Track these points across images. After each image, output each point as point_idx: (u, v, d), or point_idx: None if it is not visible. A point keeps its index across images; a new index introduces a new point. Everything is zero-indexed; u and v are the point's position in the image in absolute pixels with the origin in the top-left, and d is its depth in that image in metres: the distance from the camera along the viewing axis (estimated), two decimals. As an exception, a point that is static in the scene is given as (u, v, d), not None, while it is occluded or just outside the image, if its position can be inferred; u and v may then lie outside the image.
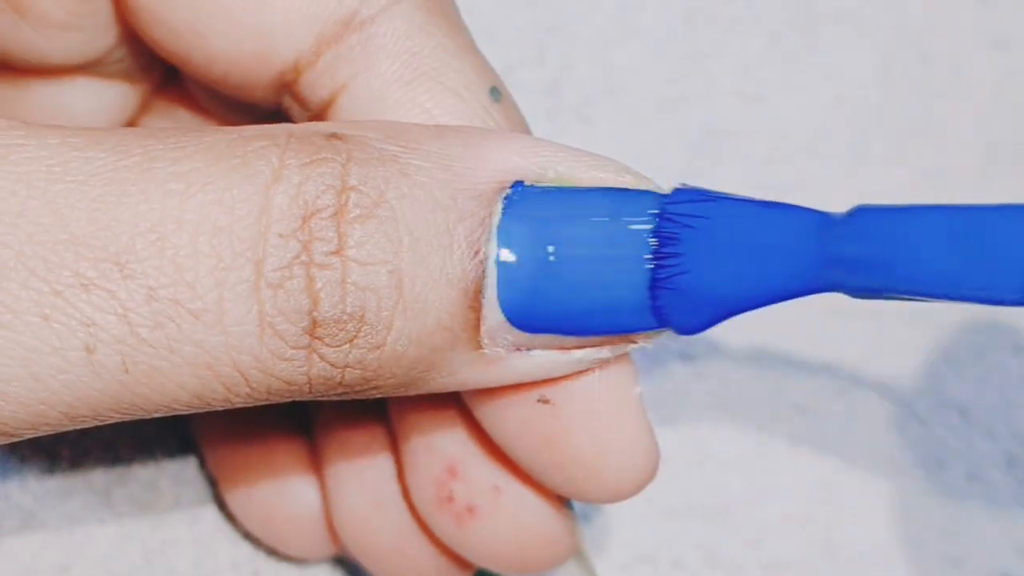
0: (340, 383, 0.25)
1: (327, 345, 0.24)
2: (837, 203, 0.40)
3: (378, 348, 0.24)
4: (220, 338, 0.24)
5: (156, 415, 0.25)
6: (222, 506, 0.36)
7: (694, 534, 0.37)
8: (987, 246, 0.23)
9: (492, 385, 0.26)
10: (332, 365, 0.24)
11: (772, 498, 0.37)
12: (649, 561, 0.37)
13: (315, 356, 0.24)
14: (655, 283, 0.25)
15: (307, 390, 0.25)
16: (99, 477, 0.36)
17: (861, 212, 0.25)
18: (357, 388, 0.25)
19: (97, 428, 0.36)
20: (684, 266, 0.25)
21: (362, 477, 0.32)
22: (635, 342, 0.26)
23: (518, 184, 0.25)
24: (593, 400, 0.27)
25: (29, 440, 0.35)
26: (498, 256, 0.25)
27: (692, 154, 0.40)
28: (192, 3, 0.27)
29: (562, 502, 0.30)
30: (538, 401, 0.27)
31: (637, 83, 0.41)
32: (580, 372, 0.27)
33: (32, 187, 0.24)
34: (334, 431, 0.32)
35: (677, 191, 0.25)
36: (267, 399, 0.25)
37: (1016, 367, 0.39)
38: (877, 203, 0.25)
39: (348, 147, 0.25)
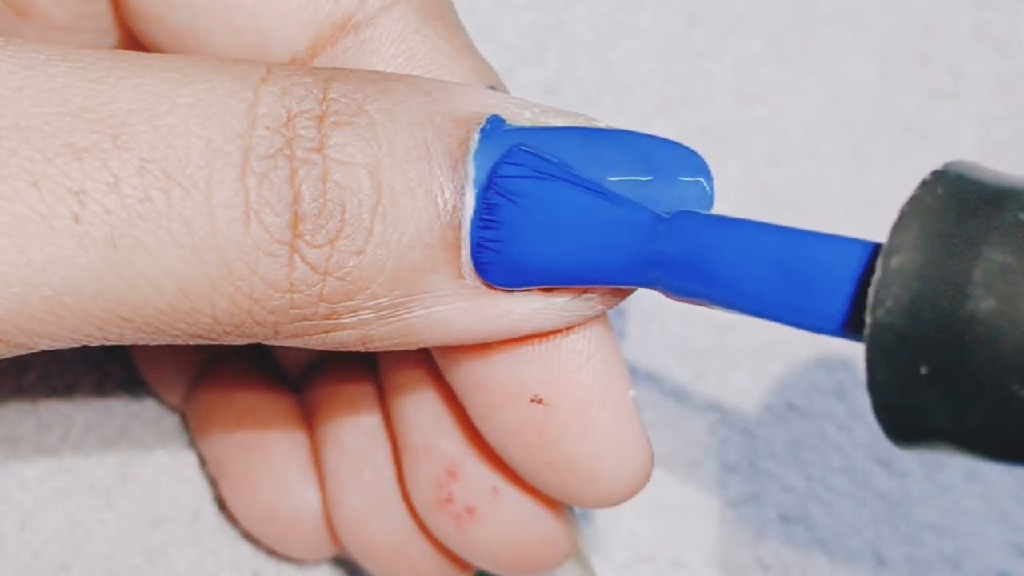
0: (321, 297, 0.25)
1: (309, 244, 0.24)
2: (837, 203, 0.40)
3: (358, 253, 0.24)
4: (207, 219, 0.24)
5: (141, 328, 0.24)
6: (222, 506, 0.36)
7: (694, 534, 0.37)
8: (804, 273, 0.23)
9: (475, 332, 0.26)
10: (313, 268, 0.24)
11: (771, 498, 0.37)
12: (649, 561, 0.37)
13: (297, 257, 0.24)
14: (478, 242, 0.25)
15: (288, 303, 0.24)
16: (100, 477, 0.36)
17: (682, 217, 0.25)
18: (339, 309, 0.25)
19: (99, 426, 0.36)
20: (501, 235, 0.25)
21: (362, 478, 0.32)
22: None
23: (495, 119, 0.26)
24: (586, 402, 0.27)
25: (30, 440, 0.36)
26: (475, 178, 0.25)
27: (692, 154, 0.40)
28: (189, 6, 0.27)
29: (561, 503, 0.30)
30: (531, 401, 0.27)
31: (637, 83, 0.41)
32: (575, 365, 0.27)
33: (31, 68, 0.24)
34: (334, 431, 0.33)
35: (512, 155, 0.25)
36: (250, 312, 0.25)
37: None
38: (705, 212, 0.25)
39: (329, 72, 0.25)
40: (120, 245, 0.24)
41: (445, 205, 0.25)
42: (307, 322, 0.25)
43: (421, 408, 0.30)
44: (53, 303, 0.24)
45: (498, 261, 0.25)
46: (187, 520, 0.36)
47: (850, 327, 0.23)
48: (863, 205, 0.40)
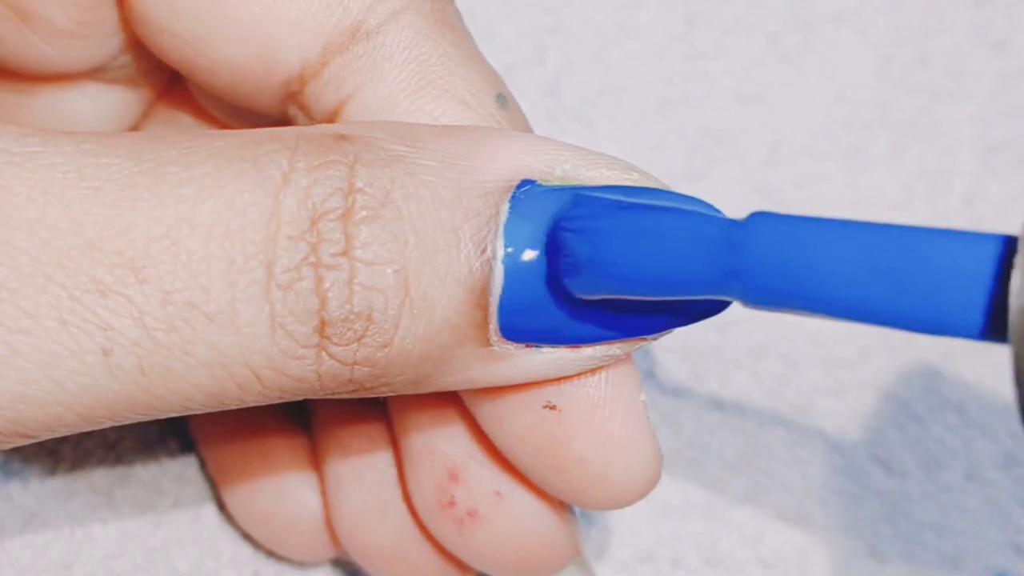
0: (350, 380, 0.25)
1: (336, 344, 0.24)
2: (837, 203, 0.40)
3: (385, 347, 0.25)
4: (233, 339, 0.24)
5: (171, 415, 0.25)
6: (223, 506, 0.36)
7: (694, 533, 0.37)
8: (925, 274, 0.22)
9: (502, 383, 0.27)
10: (341, 363, 0.25)
11: (771, 497, 0.37)
12: (649, 560, 0.37)
13: (324, 354, 0.25)
14: (554, 274, 0.25)
15: (318, 387, 0.25)
16: (101, 478, 0.36)
17: (757, 220, 0.24)
18: (368, 385, 0.25)
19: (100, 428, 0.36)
20: (576, 267, 0.25)
21: (363, 480, 0.32)
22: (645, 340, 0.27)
23: (525, 183, 0.25)
24: (598, 406, 0.27)
25: (32, 441, 0.36)
26: (505, 254, 0.25)
27: (691, 154, 0.40)
28: (198, 12, 0.27)
29: (563, 507, 0.30)
30: (544, 407, 0.27)
31: (637, 83, 0.41)
32: (588, 372, 0.27)
33: (49, 194, 0.24)
34: (335, 433, 0.32)
35: (576, 201, 0.25)
36: (280, 397, 0.25)
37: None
38: (776, 212, 0.24)
39: (355, 148, 0.25)
40: (149, 372, 0.24)
41: (473, 287, 0.25)
42: (335, 394, 0.26)
43: (423, 411, 0.30)
44: (86, 416, 0.25)
45: (575, 283, 0.25)
46: (187, 520, 0.36)
47: (988, 328, 0.21)
48: (863, 205, 0.40)
